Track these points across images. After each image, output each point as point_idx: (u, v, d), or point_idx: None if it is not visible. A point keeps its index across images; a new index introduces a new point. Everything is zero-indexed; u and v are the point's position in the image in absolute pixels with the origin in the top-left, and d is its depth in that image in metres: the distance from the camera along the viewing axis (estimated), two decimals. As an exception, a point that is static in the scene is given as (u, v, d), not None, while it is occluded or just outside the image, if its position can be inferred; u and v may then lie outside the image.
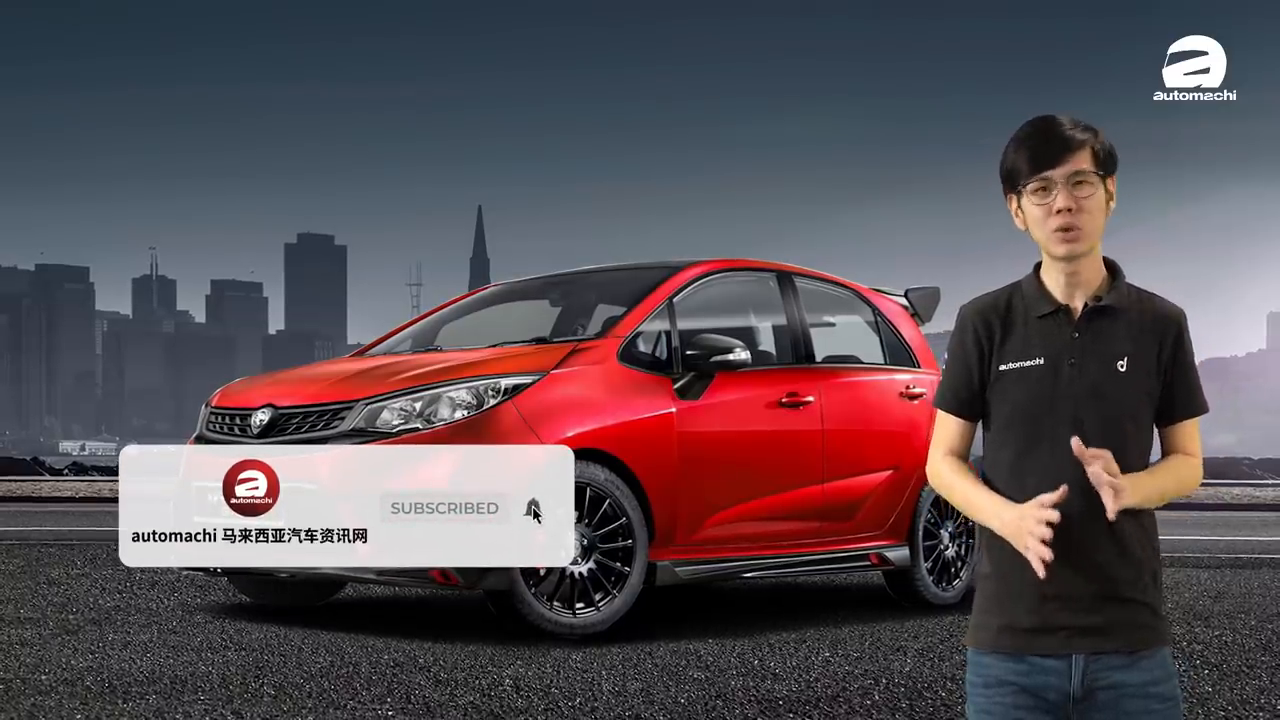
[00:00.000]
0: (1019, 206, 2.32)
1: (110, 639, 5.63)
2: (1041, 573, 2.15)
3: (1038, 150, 2.26)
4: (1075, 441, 2.15)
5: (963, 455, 2.38)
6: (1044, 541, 2.15)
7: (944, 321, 8.40)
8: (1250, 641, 6.05)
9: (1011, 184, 2.31)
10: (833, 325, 7.78)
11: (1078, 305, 2.28)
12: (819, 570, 7.14)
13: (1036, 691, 2.22)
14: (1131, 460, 2.23)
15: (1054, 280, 2.30)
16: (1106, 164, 2.29)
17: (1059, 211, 2.24)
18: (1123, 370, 2.25)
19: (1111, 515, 2.15)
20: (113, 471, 33.03)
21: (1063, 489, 2.17)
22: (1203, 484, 2.39)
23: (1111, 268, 2.33)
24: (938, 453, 2.39)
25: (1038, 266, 2.34)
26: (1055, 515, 2.15)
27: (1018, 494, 2.25)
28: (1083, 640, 2.21)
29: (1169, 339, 2.27)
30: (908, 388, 7.51)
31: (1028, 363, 2.27)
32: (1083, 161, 2.25)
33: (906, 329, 7.85)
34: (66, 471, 33.18)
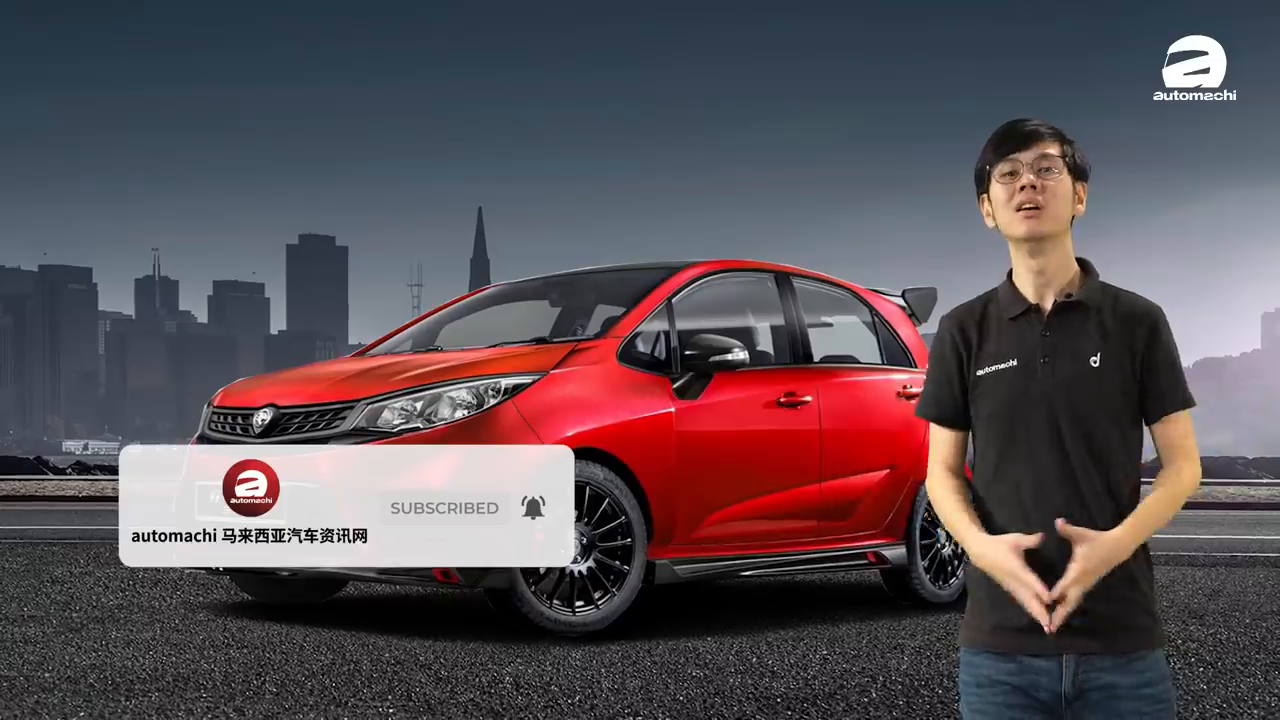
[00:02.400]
0: (988, 200, 2.35)
1: (113, 637, 5.66)
2: (1037, 613, 2.16)
3: (1006, 139, 2.32)
4: (1059, 523, 2.17)
5: (956, 468, 2.38)
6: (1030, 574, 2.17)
7: (941, 321, 8.43)
8: (1244, 639, 6.08)
9: (981, 180, 2.35)
10: (830, 325, 7.81)
11: (1048, 305, 2.30)
12: (816, 569, 7.16)
13: (1028, 691, 2.22)
14: (1116, 459, 2.24)
15: (1025, 281, 2.32)
16: (1075, 166, 2.32)
17: (1023, 189, 2.28)
18: (1096, 366, 2.24)
19: (1051, 628, 2.16)
20: (115, 471, 33.03)
21: (1038, 536, 2.18)
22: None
23: (1084, 267, 2.34)
24: (933, 466, 2.41)
25: (1011, 272, 2.36)
26: (1031, 541, 2.18)
27: (1002, 497, 2.27)
28: (1073, 640, 2.20)
29: (1141, 335, 2.26)
30: (905, 388, 7.53)
31: (1002, 365, 2.29)
32: (1050, 149, 2.29)
33: (904, 329, 7.88)
34: (70, 471, 33.14)
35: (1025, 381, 2.27)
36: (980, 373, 2.32)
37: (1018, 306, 2.32)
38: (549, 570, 5.84)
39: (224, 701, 4.39)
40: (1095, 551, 2.15)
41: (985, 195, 2.36)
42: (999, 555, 2.19)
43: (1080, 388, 2.24)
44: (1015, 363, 2.28)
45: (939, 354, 2.38)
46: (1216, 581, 8.57)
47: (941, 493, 2.36)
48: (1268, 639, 6.10)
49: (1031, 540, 2.18)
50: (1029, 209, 2.28)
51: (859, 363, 7.58)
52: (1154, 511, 2.22)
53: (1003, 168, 2.30)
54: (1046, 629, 2.15)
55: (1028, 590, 2.16)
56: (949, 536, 7.53)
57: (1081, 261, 2.35)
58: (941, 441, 2.39)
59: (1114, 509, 2.23)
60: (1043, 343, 2.28)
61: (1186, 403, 2.29)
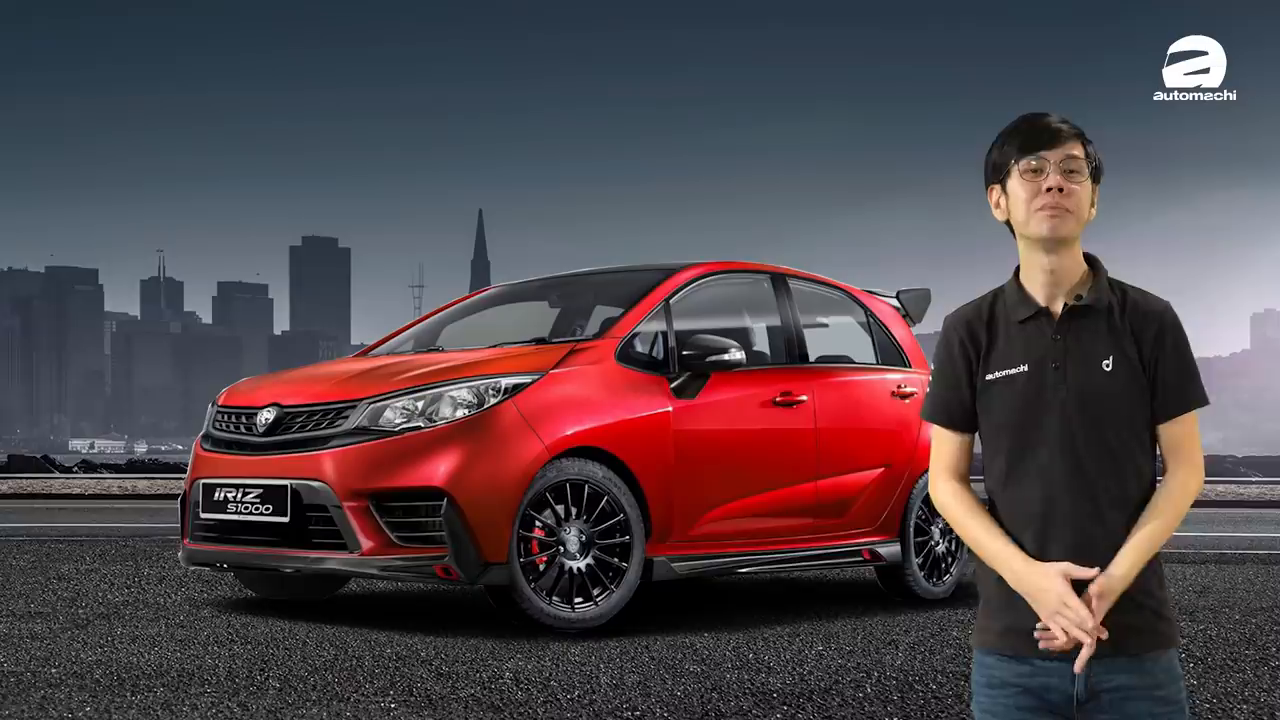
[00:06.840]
0: (1003, 192, 2.27)
1: (119, 633, 5.71)
2: (1078, 636, 2.12)
3: (1032, 135, 2.24)
4: (1066, 566, 2.14)
5: (963, 475, 2.32)
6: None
7: (934, 322, 8.49)
8: (1234, 636, 6.11)
9: (999, 171, 2.27)
10: (826, 326, 7.86)
11: (1058, 308, 2.23)
12: (812, 566, 7.20)
13: (1039, 693, 2.19)
14: (1130, 464, 2.20)
15: (1034, 281, 2.25)
16: (1094, 168, 2.27)
17: (1049, 190, 2.20)
18: (1109, 370, 2.19)
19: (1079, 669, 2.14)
20: (120, 469, 33.12)
21: (1095, 569, 2.13)
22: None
23: (1092, 264, 2.27)
24: (938, 474, 2.33)
25: (1017, 271, 2.30)
26: (1086, 573, 2.13)
27: (1012, 503, 2.22)
28: None
29: (1149, 334, 2.20)
30: (899, 387, 7.59)
31: (1013, 370, 2.22)
32: (1075, 150, 2.22)
33: (898, 329, 7.94)
34: (76, 469, 33.20)
35: (1037, 387, 2.21)
36: (990, 377, 2.25)
37: (1027, 309, 2.25)
38: (548, 567, 5.91)
39: (228, 697, 4.42)
40: (1105, 590, 2.13)
41: (998, 187, 2.29)
42: (1050, 584, 2.13)
43: (1094, 393, 2.19)
44: (1026, 368, 2.22)
45: (946, 356, 2.30)
46: (1206, 578, 8.62)
47: (955, 505, 2.29)
48: (1257, 635, 6.14)
49: (1087, 572, 2.13)
50: (1054, 210, 2.20)
51: (854, 363, 7.64)
52: (1153, 538, 2.17)
53: (1028, 164, 2.22)
54: (1076, 668, 2.13)
55: (1074, 620, 2.11)
56: (943, 534, 7.58)
57: (1089, 258, 2.28)
58: (948, 446, 2.31)
59: (1127, 514, 2.19)
60: (1054, 347, 2.21)
61: (1197, 402, 2.22)
